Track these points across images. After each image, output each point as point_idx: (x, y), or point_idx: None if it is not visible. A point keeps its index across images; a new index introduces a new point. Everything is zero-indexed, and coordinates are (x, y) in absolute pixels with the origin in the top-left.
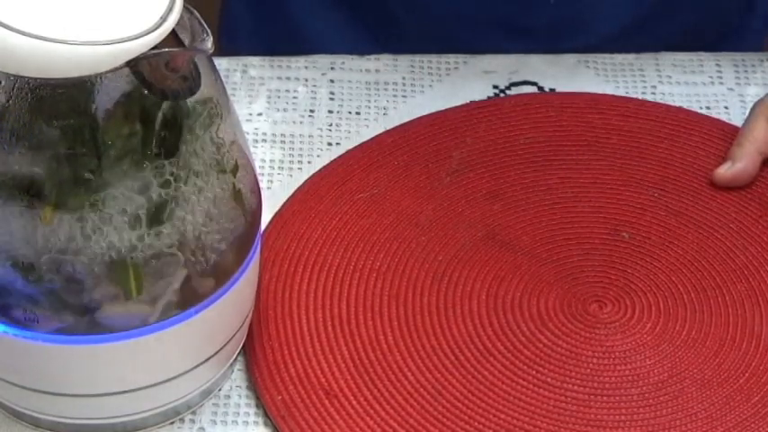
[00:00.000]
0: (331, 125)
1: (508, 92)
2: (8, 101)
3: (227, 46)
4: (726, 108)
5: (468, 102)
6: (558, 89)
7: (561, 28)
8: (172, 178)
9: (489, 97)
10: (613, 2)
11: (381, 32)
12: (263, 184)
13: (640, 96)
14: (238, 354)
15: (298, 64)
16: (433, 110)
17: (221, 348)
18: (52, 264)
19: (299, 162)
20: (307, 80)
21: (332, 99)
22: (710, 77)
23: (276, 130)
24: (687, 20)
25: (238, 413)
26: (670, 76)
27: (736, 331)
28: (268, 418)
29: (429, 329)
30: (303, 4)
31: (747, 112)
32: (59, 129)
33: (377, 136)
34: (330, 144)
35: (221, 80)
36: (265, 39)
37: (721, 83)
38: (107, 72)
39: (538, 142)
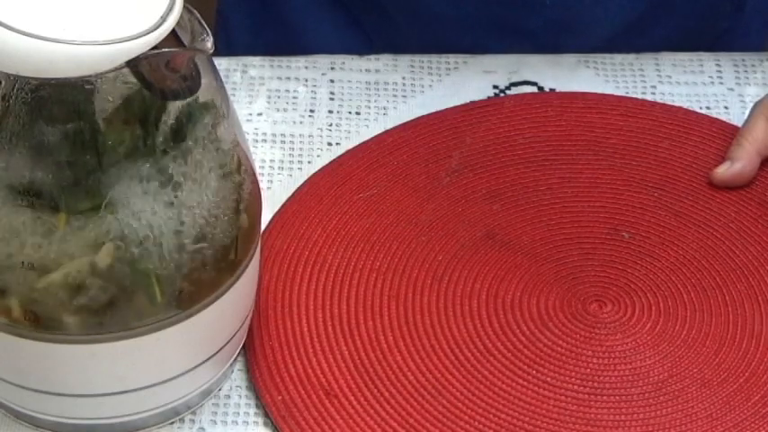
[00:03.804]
0: (331, 125)
1: (508, 92)
2: (8, 101)
3: (224, 46)
4: (726, 108)
5: (468, 102)
6: (558, 89)
7: (558, 30)
8: (173, 180)
9: (489, 97)
10: (610, 4)
11: (379, 35)
12: (263, 184)
13: (640, 96)
14: (238, 354)
15: (298, 64)
16: (433, 110)
17: (221, 348)
18: (60, 267)
19: (299, 162)
20: (307, 80)
21: (332, 99)
22: (710, 77)
23: (276, 130)
24: (682, 23)
25: (238, 413)
26: (670, 76)
27: (736, 331)
28: (268, 418)
29: (429, 329)
30: (300, 6)
31: (747, 112)
32: (60, 130)
33: (377, 136)
34: (330, 144)
35: (221, 80)
36: (262, 41)
37: (721, 83)
38: (107, 72)
39: (538, 142)
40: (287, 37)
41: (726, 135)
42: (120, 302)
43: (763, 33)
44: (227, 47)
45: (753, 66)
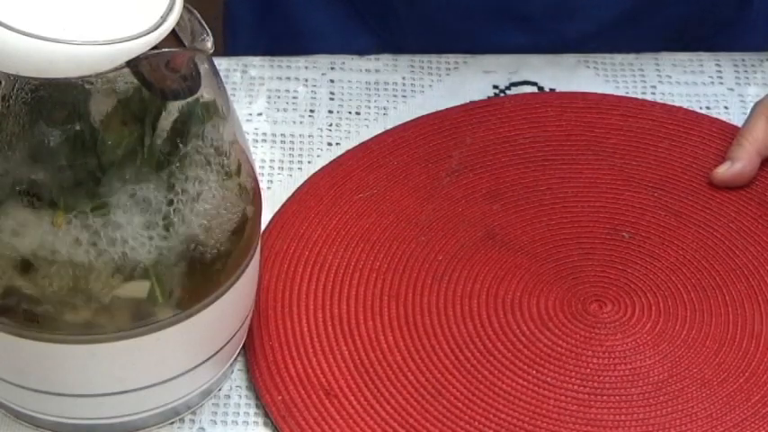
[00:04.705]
0: (331, 125)
1: (508, 92)
2: (8, 101)
3: (229, 42)
4: (726, 108)
5: (468, 102)
6: (558, 89)
7: (557, 15)
8: (175, 181)
9: (489, 97)
10: None
11: (379, 23)
12: (263, 184)
13: (640, 96)
14: (238, 354)
15: (298, 64)
16: (433, 110)
17: (221, 348)
18: (61, 268)
19: (299, 162)
20: (307, 80)
21: (332, 99)
22: (710, 77)
23: (276, 130)
24: (683, 11)
25: (238, 413)
26: (670, 76)
27: (736, 331)
28: (268, 418)
29: (429, 329)
30: None
31: (747, 112)
32: (60, 131)
33: (377, 136)
34: (330, 144)
35: (221, 80)
36: (266, 32)
37: (721, 83)
38: (107, 72)
39: (538, 142)
40: (288, 30)
41: (726, 135)
42: (119, 302)
43: (762, 30)
44: (232, 42)
45: (753, 66)
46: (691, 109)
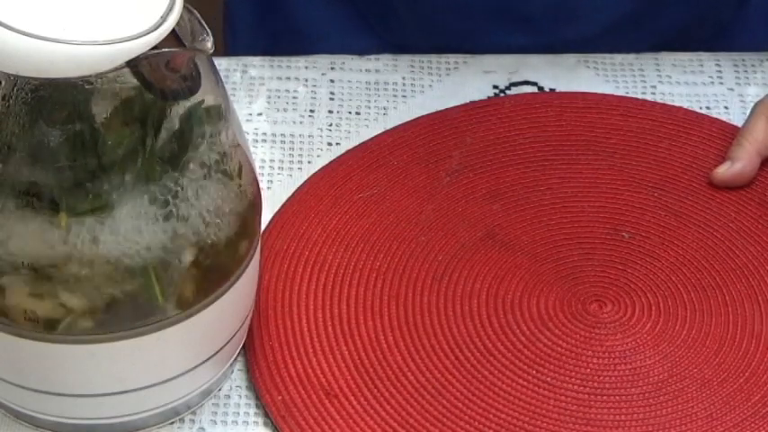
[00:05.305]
0: (331, 125)
1: (508, 92)
2: (8, 101)
3: (231, 45)
4: (726, 108)
5: (468, 102)
6: (558, 89)
7: (557, 16)
8: (175, 181)
9: (489, 97)
10: None
11: (379, 23)
12: (263, 184)
13: (640, 96)
14: (238, 354)
15: (298, 64)
16: (433, 110)
17: (221, 348)
18: (61, 268)
19: (299, 162)
20: (307, 80)
21: (332, 99)
22: (710, 77)
23: (276, 130)
24: (683, 13)
25: (238, 413)
26: (670, 76)
27: (736, 331)
28: (268, 418)
29: (429, 329)
30: None
31: (747, 112)
32: (60, 131)
33: (377, 136)
34: (330, 144)
35: (221, 80)
36: (266, 32)
37: (721, 83)
38: (107, 72)
39: (538, 142)
40: (287, 28)
41: (726, 135)
42: (120, 303)
43: (762, 30)
44: (232, 42)
45: (753, 66)
46: (691, 109)
